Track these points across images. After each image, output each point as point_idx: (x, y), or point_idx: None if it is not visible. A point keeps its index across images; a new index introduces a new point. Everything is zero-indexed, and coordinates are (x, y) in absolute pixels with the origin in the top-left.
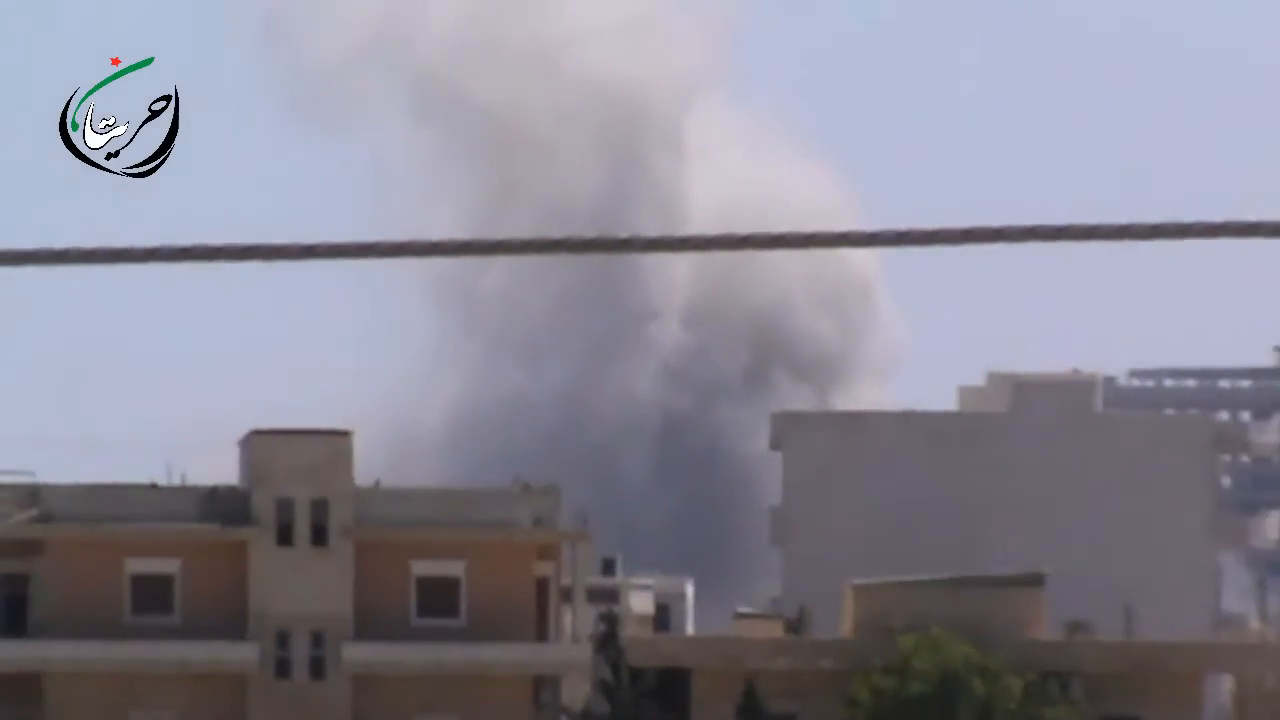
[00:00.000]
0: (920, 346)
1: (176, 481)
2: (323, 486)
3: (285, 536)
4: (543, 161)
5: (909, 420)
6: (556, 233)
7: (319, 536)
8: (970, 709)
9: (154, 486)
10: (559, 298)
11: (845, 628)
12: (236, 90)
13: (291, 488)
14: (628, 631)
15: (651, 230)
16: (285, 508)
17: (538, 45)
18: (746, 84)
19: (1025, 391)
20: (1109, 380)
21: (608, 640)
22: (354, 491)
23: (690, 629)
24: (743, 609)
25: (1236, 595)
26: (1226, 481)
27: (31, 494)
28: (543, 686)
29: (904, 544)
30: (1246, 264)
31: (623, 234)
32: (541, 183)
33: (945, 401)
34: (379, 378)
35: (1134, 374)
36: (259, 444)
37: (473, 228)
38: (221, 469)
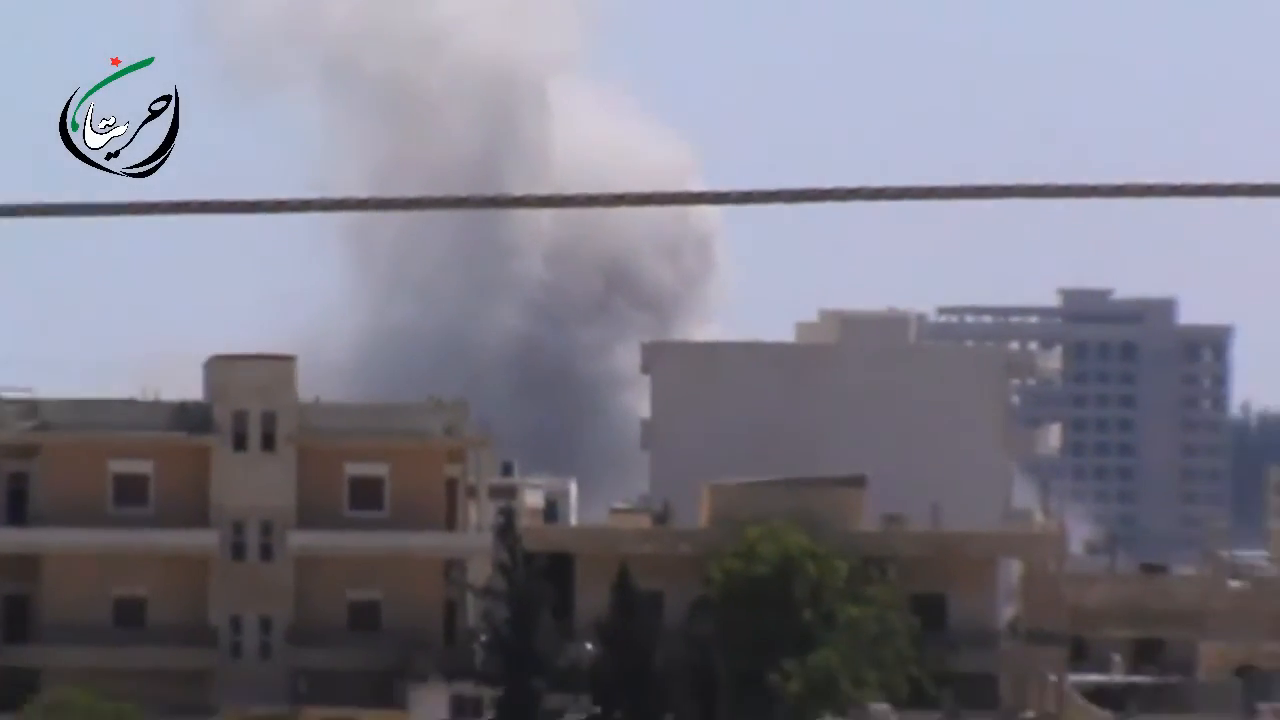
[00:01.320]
0: (763, 287)
1: (151, 398)
2: (271, 401)
3: (240, 443)
4: (431, 124)
5: (755, 350)
6: (443, 186)
7: (268, 443)
8: (804, 587)
9: (132, 401)
10: (444, 242)
11: (702, 520)
12: (174, 67)
13: (246, 402)
14: (522, 523)
15: (521, 183)
16: (240, 419)
17: (426, 24)
18: (607, 58)
19: (851, 326)
20: (921, 316)
21: (506, 530)
22: (297, 406)
23: (574, 521)
24: (617, 504)
25: (1024, 494)
26: (1016, 401)
27: (31, 407)
28: (452, 567)
29: (751, 451)
30: (1035, 218)
31: (496, 186)
32: (430, 142)
33: (785, 334)
34: (297, 311)
35: (941, 311)
36: (219, 367)
37: (375, 181)
38: (188, 387)
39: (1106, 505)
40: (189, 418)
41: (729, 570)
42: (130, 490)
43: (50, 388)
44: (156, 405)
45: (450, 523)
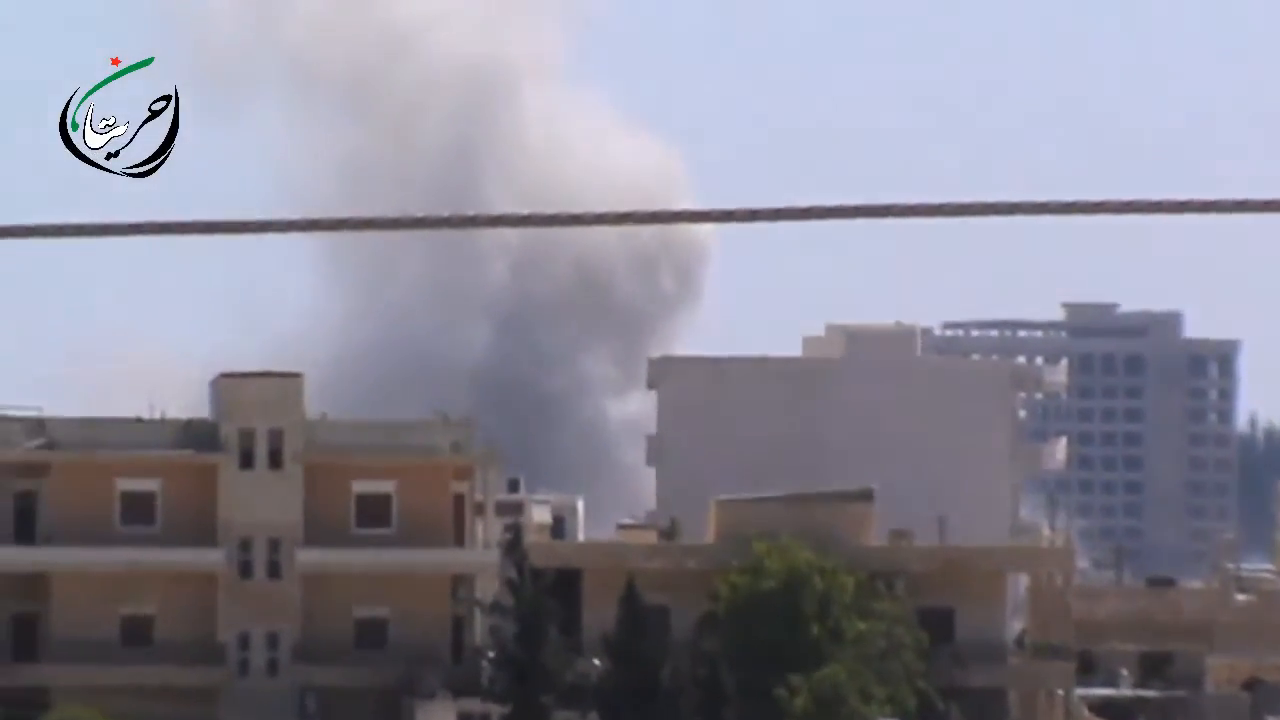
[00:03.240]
0: (770, 302)
1: (157, 416)
2: (278, 419)
3: (247, 460)
4: (402, 126)
5: (762, 365)
6: (415, 189)
7: (275, 460)
8: (811, 603)
9: (139, 420)
10: (416, 254)
11: (709, 535)
12: (141, 84)
13: (252, 420)
14: (529, 539)
15: (495, 186)
16: (247, 436)
17: (393, 25)
18: (594, 63)
19: (857, 340)
20: (926, 330)
21: (513, 546)
22: (304, 423)
23: (581, 536)
24: (624, 520)
25: (1031, 509)
26: (1023, 414)
27: (38, 425)
28: (460, 584)
29: (758, 466)
30: (1041, 232)
31: (470, 186)
32: (401, 144)
33: (791, 349)
34: (263, 329)
35: (947, 325)
36: (226, 385)
37: (346, 185)
38: (194, 405)
39: (1113, 519)
40: (195, 435)
41: (736, 585)
42: (138, 508)
43: (58, 406)
44: (163, 423)
45: (457, 539)
